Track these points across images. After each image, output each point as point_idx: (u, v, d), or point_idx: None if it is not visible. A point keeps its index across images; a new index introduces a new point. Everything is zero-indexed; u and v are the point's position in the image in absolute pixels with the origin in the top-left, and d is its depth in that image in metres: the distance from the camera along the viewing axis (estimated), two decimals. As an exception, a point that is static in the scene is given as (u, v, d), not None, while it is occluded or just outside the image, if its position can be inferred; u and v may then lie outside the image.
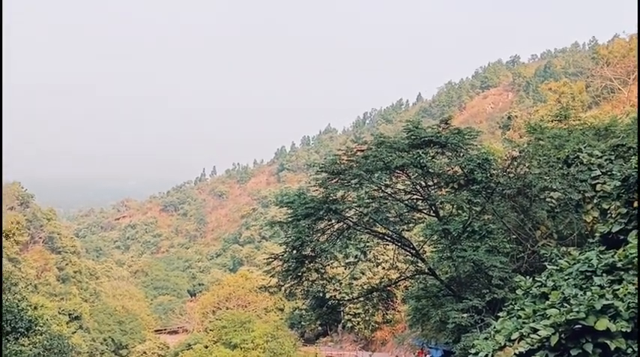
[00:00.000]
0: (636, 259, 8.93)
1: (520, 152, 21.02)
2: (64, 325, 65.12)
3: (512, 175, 19.76)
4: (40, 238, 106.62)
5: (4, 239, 25.47)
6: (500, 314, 9.96)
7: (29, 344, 19.24)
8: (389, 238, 22.65)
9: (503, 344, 8.36)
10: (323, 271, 22.62)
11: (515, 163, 20.24)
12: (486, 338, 9.08)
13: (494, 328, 9.16)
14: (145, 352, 74.61)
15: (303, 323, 74.63)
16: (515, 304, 10.02)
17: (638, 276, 8.55)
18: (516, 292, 10.61)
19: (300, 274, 21.88)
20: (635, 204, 11.61)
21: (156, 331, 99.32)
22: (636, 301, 7.52)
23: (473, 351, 8.79)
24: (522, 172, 19.69)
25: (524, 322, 8.52)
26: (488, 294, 17.76)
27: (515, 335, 8.30)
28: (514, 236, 20.09)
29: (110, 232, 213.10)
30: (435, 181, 20.82)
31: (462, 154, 20.19)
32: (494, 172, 19.67)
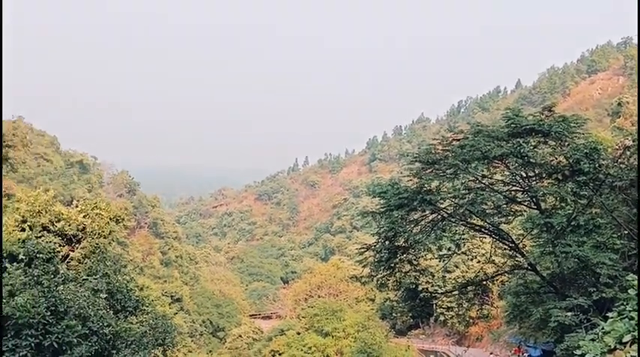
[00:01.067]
0: None
1: (633, 141, 19.40)
2: (167, 306, 69.11)
3: (624, 166, 18.30)
4: (146, 223, 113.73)
5: (114, 224, 27.34)
6: (610, 314, 9.25)
7: (137, 322, 20.52)
8: (485, 231, 21.81)
9: (613, 347, 7.77)
10: (416, 262, 22.24)
11: (628, 153, 18.73)
12: (593, 339, 8.47)
13: (603, 329, 8.52)
14: (240, 336, 77.56)
15: (394, 314, 74.32)
16: (628, 304, 9.27)
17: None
18: (628, 291, 9.81)
19: (392, 265, 21.64)
20: None
21: (250, 315, 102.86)
22: None
23: (578, 352, 8.24)
24: (636, 163, 18.18)
25: (637, 325, 7.87)
26: (595, 292, 16.62)
27: (627, 338, 7.68)
28: (625, 232, 18.64)
29: (208, 220, 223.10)
30: (537, 171, 19.72)
31: (567, 143, 18.96)
32: (603, 162, 18.31)
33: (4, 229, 23.62)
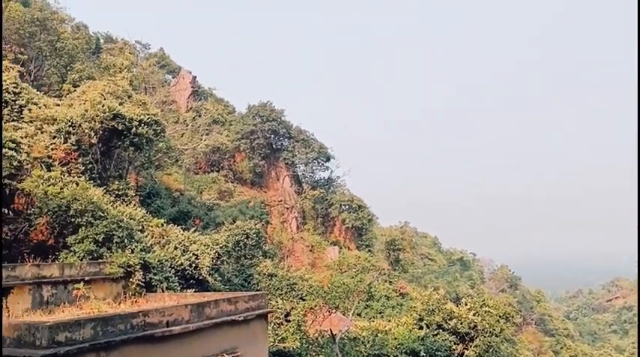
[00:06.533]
0: None
1: None
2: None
3: None
4: (532, 319, 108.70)
5: (504, 321, 26.83)
6: None
7: None
8: None
9: None
10: None
11: None
12: None
13: None
14: None
15: None
16: None
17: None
18: None
19: None
20: None
21: None
22: None
23: None
24: None
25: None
26: None
27: None
28: None
29: (603, 315, 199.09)
30: None
31: None
32: None
33: (404, 327, 25.73)
